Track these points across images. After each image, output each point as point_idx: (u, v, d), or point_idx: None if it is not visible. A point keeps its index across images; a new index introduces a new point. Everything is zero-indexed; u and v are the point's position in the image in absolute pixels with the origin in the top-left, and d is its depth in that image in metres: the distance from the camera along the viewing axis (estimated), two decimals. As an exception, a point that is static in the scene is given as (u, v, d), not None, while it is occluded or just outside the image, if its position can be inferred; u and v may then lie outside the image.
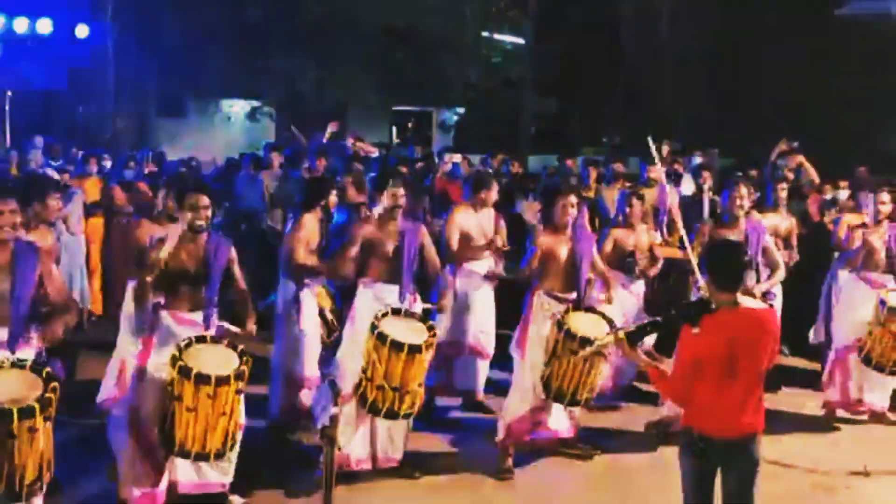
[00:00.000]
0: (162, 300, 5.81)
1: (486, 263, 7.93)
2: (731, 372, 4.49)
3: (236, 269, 6.08)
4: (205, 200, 5.82)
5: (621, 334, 4.90)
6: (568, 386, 6.58)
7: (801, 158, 10.78)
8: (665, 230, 9.78)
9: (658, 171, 9.61)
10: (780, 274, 7.68)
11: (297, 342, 7.15)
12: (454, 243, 7.73)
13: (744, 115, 23.82)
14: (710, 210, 9.02)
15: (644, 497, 6.50)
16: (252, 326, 6.02)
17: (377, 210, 6.84)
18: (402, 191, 6.64)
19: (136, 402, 5.73)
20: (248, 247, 10.53)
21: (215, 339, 5.70)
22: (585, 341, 6.34)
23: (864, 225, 8.10)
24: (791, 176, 10.77)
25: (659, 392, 5.55)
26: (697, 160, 13.24)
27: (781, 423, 5.73)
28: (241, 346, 5.66)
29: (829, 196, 10.53)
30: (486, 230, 7.90)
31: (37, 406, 4.71)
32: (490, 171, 13.17)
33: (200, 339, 5.62)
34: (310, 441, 6.81)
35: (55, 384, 4.86)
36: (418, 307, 6.76)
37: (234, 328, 5.99)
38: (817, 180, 10.53)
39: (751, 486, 4.58)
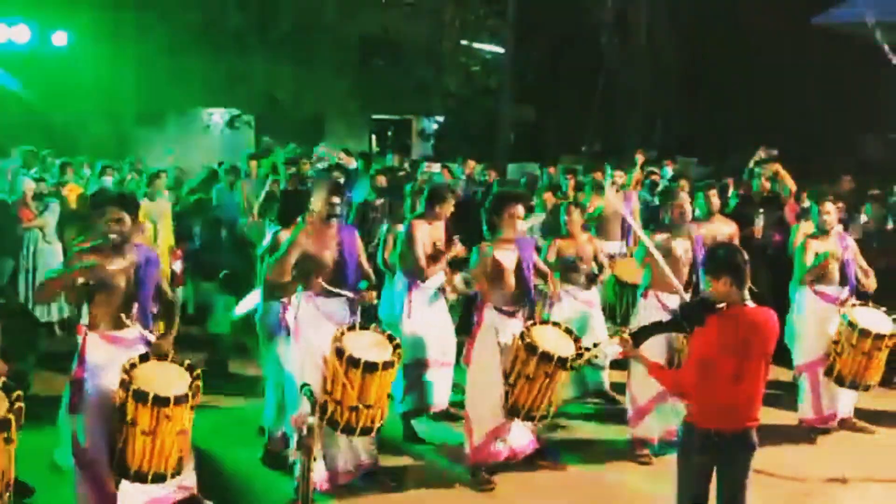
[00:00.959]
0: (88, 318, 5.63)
1: (438, 278, 7.79)
2: (741, 368, 4.68)
3: (163, 282, 5.96)
4: (119, 214, 5.60)
5: (626, 335, 5.10)
6: (527, 402, 6.53)
7: (777, 167, 10.84)
8: (631, 239, 9.86)
9: (621, 178, 9.77)
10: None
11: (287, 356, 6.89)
12: (422, 261, 7.43)
13: (722, 124, 23.99)
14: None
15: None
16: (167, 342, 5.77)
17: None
18: (338, 199, 6.33)
19: (83, 426, 5.47)
20: (227, 255, 10.51)
21: (160, 357, 5.53)
22: (546, 357, 6.37)
23: (813, 236, 8.02)
24: (768, 185, 10.85)
25: (664, 387, 5.61)
26: (668, 170, 13.33)
27: (759, 431, 5.78)
28: (187, 361, 5.56)
29: (805, 204, 10.57)
30: (438, 243, 7.69)
31: (12, 417, 4.66)
32: (461, 179, 13.21)
33: (144, 358, 5.46)
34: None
35: (20, 405, 4.76)
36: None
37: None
38: (794, 188, 10.57)
39: (747, 475, 4.81)
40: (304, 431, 4.33)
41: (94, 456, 5.45)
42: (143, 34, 21.15)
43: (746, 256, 4.84)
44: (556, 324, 6.93)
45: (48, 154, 14.14)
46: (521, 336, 6.50)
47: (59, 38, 19.77)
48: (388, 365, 5.94)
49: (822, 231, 7.96)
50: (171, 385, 5.32)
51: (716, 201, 8.22)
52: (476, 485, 6.66)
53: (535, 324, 6.69)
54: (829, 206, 7.95)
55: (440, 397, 7.81)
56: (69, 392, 5.56)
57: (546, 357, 6.39)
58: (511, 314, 6.78)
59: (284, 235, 6.74)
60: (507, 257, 6.78)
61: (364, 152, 17.45)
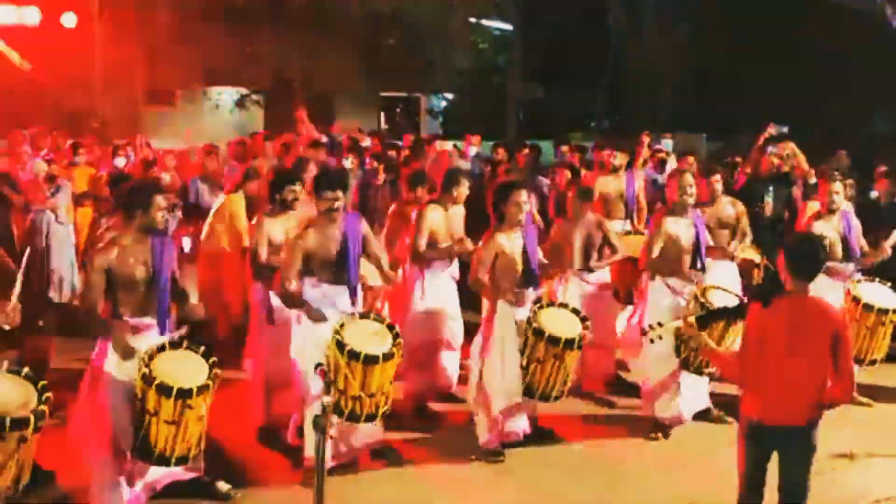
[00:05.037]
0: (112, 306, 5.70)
1: (452, 265, 7.84)
2: (794, 356, 4.66)
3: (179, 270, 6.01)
4: (166, 203, 5.80)
5: (691, 319, 5.20)
6: (541, 383, 6.62)
7: (792, 145, 10.81)
8: (633, 218, 9.82)
9: (619, 158, 9.71)
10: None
11: (271, 343, 6.98)
12: (422, 246, 7.51)
13: (731, 100, 23.91)
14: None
15: (629, 484, 6.59)
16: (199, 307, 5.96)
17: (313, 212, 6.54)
18: (340, 194, 6.36)
19: (106, 410, 5.57)
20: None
21: (175, 346, 5.59)
22: (554, 340, 6.46)
23: (818, 216, 8.07)
24: (778, 162, 10.83)
25: (726, 375, 5.73)
26: (669, 143, 13.28)
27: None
28: (202, 348, 5.63)
29: (812, 181, 10.58)
30: (454, 230, 7.76)
31: (32, 418, 4.75)
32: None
33: (161, 349, 5.52)
34: (297, 438, 6.79)
35: (48, 395, 4.87)
36: (375, 280, 6.72)
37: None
38: (806, 167, 10.55)
39: (807, 470, 4.81)
40: (319, 410, 4.39)
41: (116, 438, 5.55)
42: (152, 13, 21.14)
43: (818, 252, 4.86)
44: (563, 305, 6.99)
45: (59, 135, 14.19)
46: (528, 321, 6.58)
47: (68, 20, 19.78)
48: (388, 357, 5.99)
49: (829, 210, 8.01)
50: (192, 376, 5.40)
51: (718, 186, 8.25)
52: (485, 456, 6.77)
53: (541, 307, 6.75)
54: (836, 185, 7.99)
55: (447, 379, 7.88)
56: (91, 377, 5.66)
57: (553, 340, 6.48)
58: (519, 298, 6.82)
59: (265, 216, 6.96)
60: (513, 244, 6.84)
61: (375, 131, 17.45)
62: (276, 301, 6.85)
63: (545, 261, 7.24)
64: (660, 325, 5.69)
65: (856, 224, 8.15)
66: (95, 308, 5.61)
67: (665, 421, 7.40)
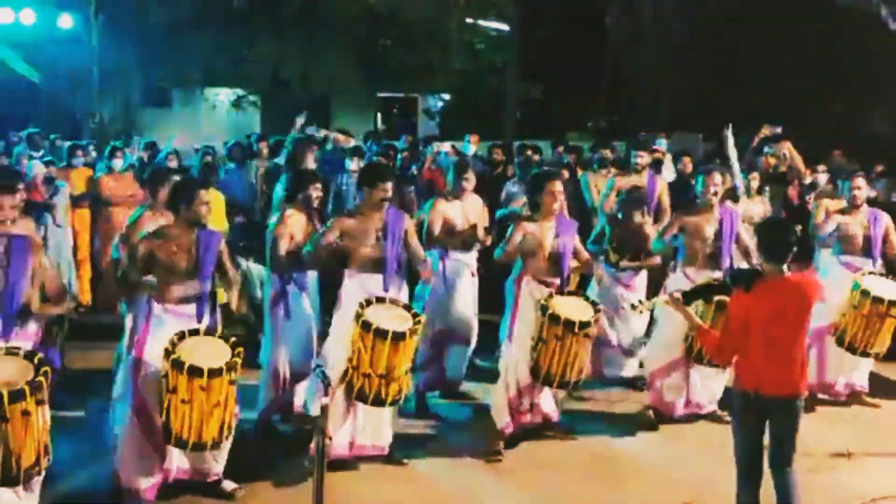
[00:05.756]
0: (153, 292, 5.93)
1: (471, 255, 7.92)
2: (777, 334, 5.06)
3: (226, 259, 6.20)
4: (208, 197, 6.06)
5: (678, 294, 5.56)
6: (556, 369, 6.69)
7: (788, 145, 10.84)
8: (652, 218, 9.80)
9: (645, 158, 9.69)
10: (755, 259, 7.80)
11: (284, 336, 7.10)
12: (436, 229, 7.67)
13: (729, 99, 23.90)
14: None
15: (630, 482, 6.61)
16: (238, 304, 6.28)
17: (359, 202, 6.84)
18: (390, 185, 6.66)
19: (140, 391, 5.82)
20: (243, 239, 10.60)
21: (208, 332, 5.81)
22: (570, 324, 6.52)
23: (843, 210, 8.21)
24: (774, 161, 10.84)
25: (706, 348, 6.13)
26: (662, 141, 13.24)
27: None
28: (232, 338, 5.77)
29: (808, 180, 10.61)
30: (470, 219, 7.85)
31: (27, 388, 4.84)
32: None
33: (193, 333, 5.72)
34: (298, 430, 6.87)
35: (46, 369, 4.99)
36: (404, 295, 6.82)
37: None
38: (803, 168, 10.56)
39: (794, 435, 5.19)
40: (318, 412, 4.41)
41: (151, 412, 5.76)
42: (149, 14, 21.14)
43: (786, 235, 5.17)
44: (575, 293, 7.08)
45: (56, 137, 14.18)
46: (543, 308, 6.66)
47: (65, 21, 19.77)
48: (413, 332, 6.18)
49: (853, 206, 8.14)
50: (210, 359, 5.52)
51: (754, 184, 8.42)
52: (486, 454, 6.82)
53: (552, 295, 6.82)
54: (860, 180, 8.15)
55: (457, 372, 7.93)
56: (130, 354, 5.92)
57: (568, 324, 6.56)
58: (548, 285, 6.94)
59: (292, 212, 7.12)
60: (546, 233, 6.96)
61: (372, 131, 17.40)
62: (292, 295, 7.06)
63: (585, 254, 7.36)
64: (645, 300, 6.12)
65: (887, 223, 8.23)
66: (137, 278, 5.92)
67: (660, 407, 7.50)
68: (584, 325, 6.61)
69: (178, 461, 6.02)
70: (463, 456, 6.87)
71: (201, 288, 5.97)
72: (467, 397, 8.00)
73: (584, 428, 7.44)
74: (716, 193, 7.50)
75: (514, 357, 6.94)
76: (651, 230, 8.38)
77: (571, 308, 6.73)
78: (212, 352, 5.61)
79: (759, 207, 8.45)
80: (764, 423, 5.18)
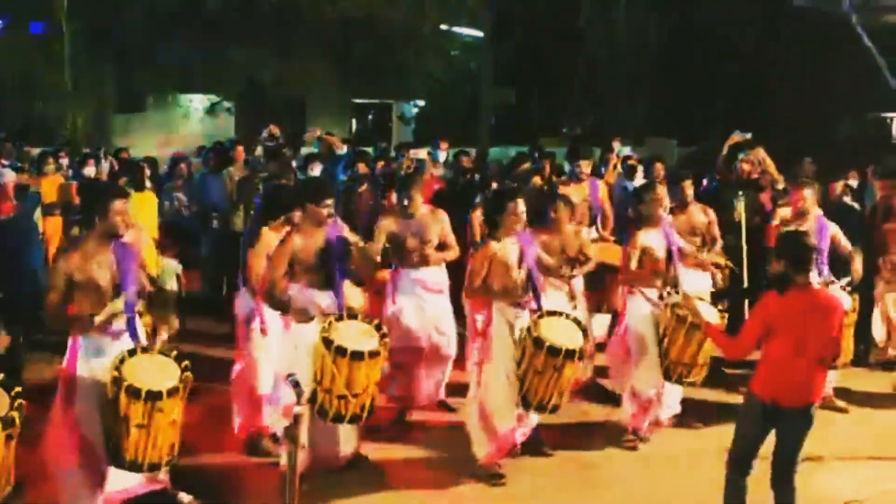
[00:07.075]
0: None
1: (435, 270, 7.71)
2: (799, 344, 5.18)
3: (146, 282, 5.96)
4: (126, 208, 5.68)
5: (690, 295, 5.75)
6: (539, 394, 6.50)
7: (761, 152, 10.88)
8: (599, 226, 9.80)
9: (586, 167, 9.66)
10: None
11: (256, 356, 6.94)
12: (377, 250, 7.43)
13: (703, 106, 24.07)
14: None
15: (615, 490, 6.64)
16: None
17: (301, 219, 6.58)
18: (331, 201, 6.48)
19: (78, 417, 5.53)
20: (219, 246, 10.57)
21: (145, 350, 5.58)
22: (554, 350, 6.35)
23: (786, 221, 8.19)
24: (748, 168, 10.87)
25: (716, 342, 6.07)
26: (625, 150, 13.25)
27: (733, 411, 5.93)
28: (174, 352, 5.61)
29: (780, 186, 10.67)
30: (426, 236, 7.58)
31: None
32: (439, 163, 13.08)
33: (132, 353, 5.48)
34: (273, 451, 6.80)
35: (20, 402, 4.84)
36: (357, 301, 6.70)
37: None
38: (777, 176, 10.62)
39: (803, 441, 5.38)
40: (292, 421, 4.38)
41: (91, 444, 5.51)
42: (121, 20, 21.03)
43: (807, 245, 5.34)
44: (565, 315, 6.77)
45: (26, 144, 14.08)
46: (529, 330, 6.48)
47: (36, 27, 19.65)
48: (374, 354, 5.98)
49: (797, 215, 8.11)
50: (162, 378, 5.37)
51: (689, 192, 8.25)
52: (486, 478, 6.63)
53: (542, 316, 6.61)
54: (805, 191, 8.09)
55: (433, 389, 7.81)
56: (61, 385, 5.61)
57: (553, 351, 6.35)
58: (519, 306, 6.74)
59: (267, 231, 6.90)
60: (509, 252, 6.76)
61: (346, 138, 17.37)
62: (267, 310, 6.80)
63: (550, 261, 7.22)
64: (559, 352, 6.23)
65: (833, 231, 8.20)
66: (61, 308, 5.57)
67: (644, 430, 7.39)
68: (570, 353, 6.37)
69: (121, 481, 5.75)
70: (442, 468, 6.81)
71: (127, 305, 5.64)
72: (447, 408, 7.87)
73: (560, 439, 7.34)
74: (663, 207, 7.38)
75: (499, 388, 6.62)
76: (586, 237, 8.06)
77: (559, 332, 6.50)
78: (159, 370, 5.44)
79: (701, 216, 8.27)
80: (770, 430, 5.37)
